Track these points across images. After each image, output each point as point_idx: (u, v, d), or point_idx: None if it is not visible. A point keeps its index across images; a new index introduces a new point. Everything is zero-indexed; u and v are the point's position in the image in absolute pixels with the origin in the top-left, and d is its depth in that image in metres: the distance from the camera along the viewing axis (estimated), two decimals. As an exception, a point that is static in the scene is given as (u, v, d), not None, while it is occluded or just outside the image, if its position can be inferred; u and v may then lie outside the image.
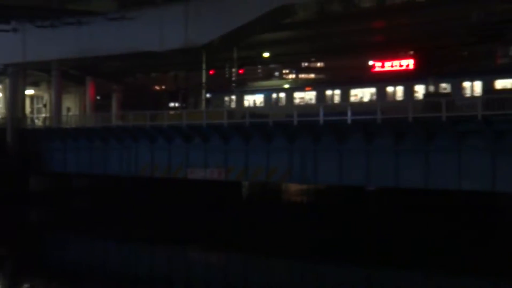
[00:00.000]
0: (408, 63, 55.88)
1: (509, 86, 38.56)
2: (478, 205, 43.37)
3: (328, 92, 47.27)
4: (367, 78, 49.88)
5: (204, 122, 44.57)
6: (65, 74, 60.80)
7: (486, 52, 53.53)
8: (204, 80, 51.87)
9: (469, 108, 35.55)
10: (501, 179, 33.97)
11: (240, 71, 61.37)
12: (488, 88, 39.54)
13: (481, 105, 33.74)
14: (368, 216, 46.50)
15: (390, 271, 30.44)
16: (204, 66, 51.38)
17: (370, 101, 43.85)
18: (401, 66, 53.24)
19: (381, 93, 44.38)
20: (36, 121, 61.08)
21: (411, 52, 59.05)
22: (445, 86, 42.29)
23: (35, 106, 72.56)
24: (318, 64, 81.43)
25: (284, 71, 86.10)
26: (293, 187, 61.77)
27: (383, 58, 53.54)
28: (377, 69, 53.12)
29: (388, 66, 52.72)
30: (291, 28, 52.29)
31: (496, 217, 43.21)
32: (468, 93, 40.97)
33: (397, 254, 33.37)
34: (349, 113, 37.94)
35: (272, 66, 79.95)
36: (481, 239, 36.74)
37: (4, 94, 65.82)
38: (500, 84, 39.48)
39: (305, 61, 78.50)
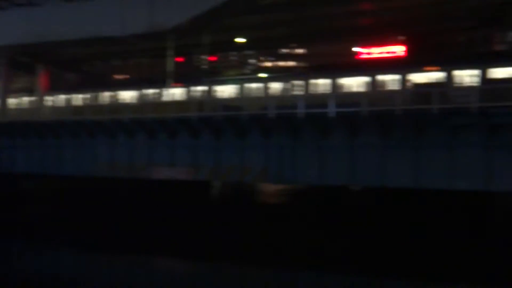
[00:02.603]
0: (399, 50, 56.32)
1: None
2: (474, 205, 43.97)
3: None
4: (352, 66, 50.11)
5: (170, 115, 44.51)
6: (14, 63, 60.19)
7: (483, 38, 54.09)
8: (170, 68, 51.70)
9: (464, 99, 35.97)
10: (497, 178, 34.39)
11: (212, 58, 61.26)
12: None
13: (477, 96, 34.20)
14: (349, 219, 46.77)
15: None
16: (171, 52, 51.23)
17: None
18: (390, 52, 53.67)
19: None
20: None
21: (403, 38, 59.52)
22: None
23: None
24: (299, 51, 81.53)
25: (260, 58, 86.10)
26: (270, 187, 61.92)
27: (370, 44, 53.86)
28: (363, 56, 53.47)
29: (376, 52, 53.09)
30: (269, 11, 52.19)
31: (493, 218, 43.81)
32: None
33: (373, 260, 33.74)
34: (331, 105, 38.10)
35: (248, 52, 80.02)
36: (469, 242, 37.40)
37: None
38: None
39: (284, 48, 78.56)
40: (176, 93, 53.19)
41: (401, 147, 37.12)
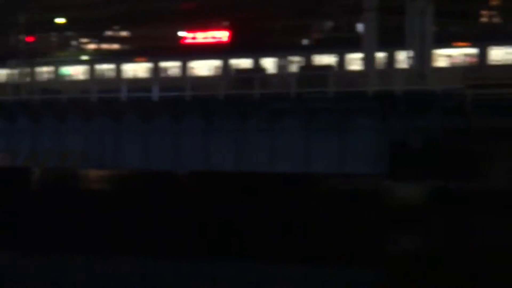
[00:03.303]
0: (223, 35, 57.14)
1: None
2: (296, 187, 45.93)
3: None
4: (175, 51, 50.12)
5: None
6: None
7: (303, 27, 56.44)
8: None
9: (283, 86, 37.33)
10: (315, 160, 36.09)
11: (30, 39, 58.38)
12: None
13: (295, 82, 35.59)
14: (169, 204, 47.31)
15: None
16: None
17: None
18: (214, 38, 54.18)
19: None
20: None
21: (226, 24, 60.39)
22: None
23: None
24: (123, 34, 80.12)
25: (82, 40, 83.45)
26: (94, 173, 60.59)
27: (195, 29, 54.06)
28: (188, 40, 53.52)
29: (200, 37, 53.34)
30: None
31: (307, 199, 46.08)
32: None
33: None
34: (155, 90, 37.99)
35: (68, 34, 77.31)
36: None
37: None
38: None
39: (107, 30, 76.87)
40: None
41: (224, 131, 37.75)
